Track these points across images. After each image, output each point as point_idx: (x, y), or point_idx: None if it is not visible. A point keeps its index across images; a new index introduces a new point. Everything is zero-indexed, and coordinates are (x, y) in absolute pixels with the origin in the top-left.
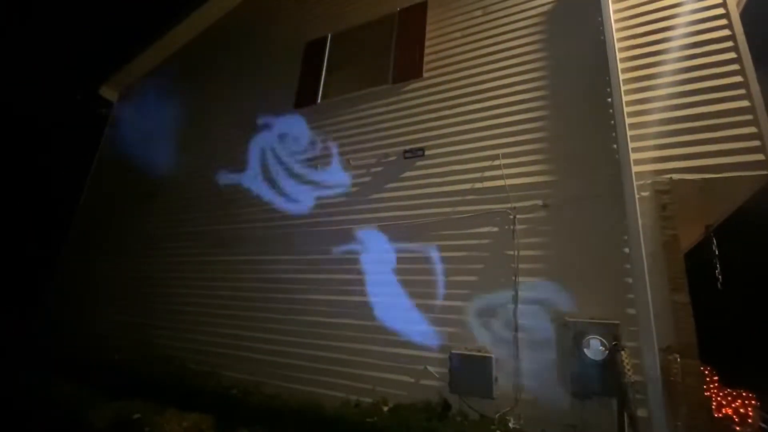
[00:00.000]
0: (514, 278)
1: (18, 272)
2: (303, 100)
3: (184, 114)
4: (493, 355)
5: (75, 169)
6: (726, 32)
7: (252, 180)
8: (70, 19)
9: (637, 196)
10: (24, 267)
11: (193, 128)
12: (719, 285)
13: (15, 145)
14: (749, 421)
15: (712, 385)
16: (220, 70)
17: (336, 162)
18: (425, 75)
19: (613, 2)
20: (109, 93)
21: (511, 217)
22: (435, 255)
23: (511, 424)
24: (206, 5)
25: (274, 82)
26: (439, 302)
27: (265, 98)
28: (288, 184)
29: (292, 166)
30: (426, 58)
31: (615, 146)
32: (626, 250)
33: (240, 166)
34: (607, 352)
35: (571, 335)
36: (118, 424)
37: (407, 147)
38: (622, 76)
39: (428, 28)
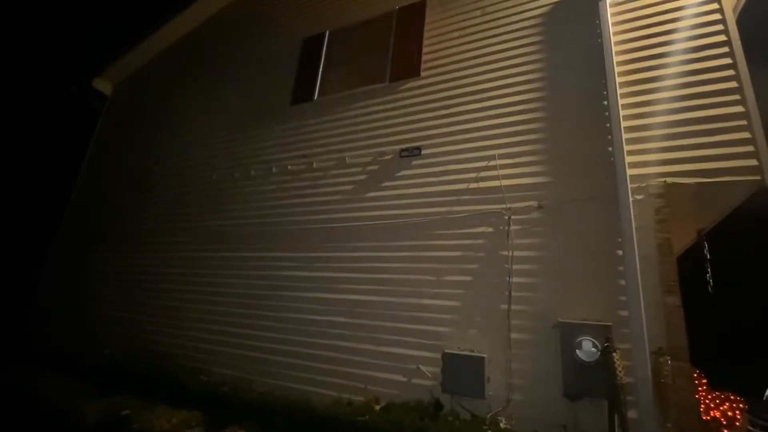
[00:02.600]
0: (507, 278)
1: (9, 266)
2: (299, 96)
3: (179, 108)
4: (485, 355)
5: (68, 162)
6: (722, 37)
7: (246, 176)
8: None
9: (631, 199)
10: (15, 260)
11: (188, 122)
12: (710, 288)
13: (6, 137)
14: (737, 424)
15: (700, 388)
16: (216, 65)
17: (332, 160)
18: (423, 74)
19: (611, 6)
20: (103, 86)
21: (506, 217)
22: (429, 254)
23: (502, 424)
24: None
25: (271, 77)
26: (432, 301)
27: (261, 93)
28: (283, 181)
29: (287, 163)
30: (424, 57)
31: (610, 149)
32: (620, 252)
33: (235, 161)
34: (598, 353)
35: (563, 336)
36: (107, 419)
37: (404, 146)
38: (618, 79)
39: (427, 27)
